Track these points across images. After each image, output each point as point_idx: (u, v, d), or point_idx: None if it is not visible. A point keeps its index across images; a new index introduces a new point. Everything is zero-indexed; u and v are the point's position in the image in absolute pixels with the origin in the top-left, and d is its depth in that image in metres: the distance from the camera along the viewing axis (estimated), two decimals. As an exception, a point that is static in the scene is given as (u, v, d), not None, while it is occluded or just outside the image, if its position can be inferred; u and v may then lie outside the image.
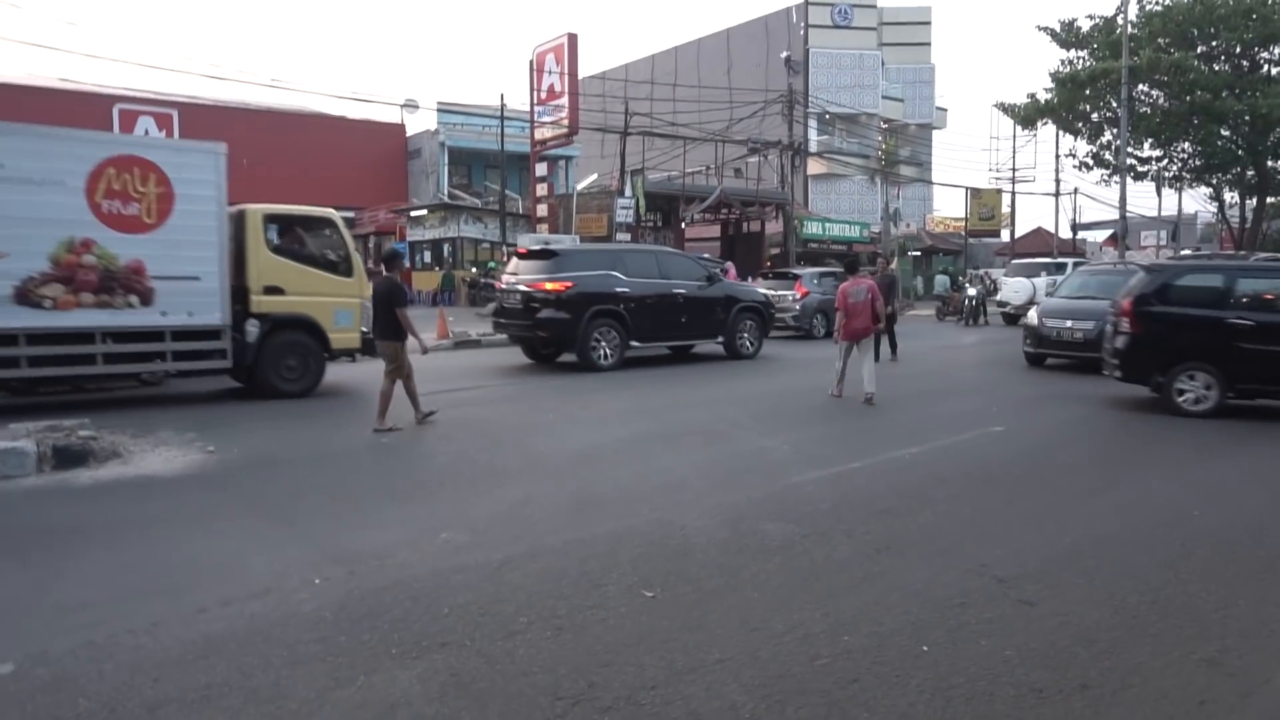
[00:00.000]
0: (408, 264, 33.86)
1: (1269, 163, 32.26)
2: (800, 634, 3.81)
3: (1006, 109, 34.90)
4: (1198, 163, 33.11)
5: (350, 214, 27.96)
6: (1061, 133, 36.89)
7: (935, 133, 58.32)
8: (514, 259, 15.16)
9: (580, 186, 34.43)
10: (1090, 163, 34.46)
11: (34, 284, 9.06)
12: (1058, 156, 41.31)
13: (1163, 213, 44.96)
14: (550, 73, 29.27)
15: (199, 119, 29.70)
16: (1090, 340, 12.78)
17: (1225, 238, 40.67)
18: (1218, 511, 5.93)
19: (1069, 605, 4.16)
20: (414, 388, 8.92)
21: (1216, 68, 30.92)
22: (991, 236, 48.90)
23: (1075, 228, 47.23)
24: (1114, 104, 30.29)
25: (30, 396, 10.06)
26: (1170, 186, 38.30)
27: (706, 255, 28.11)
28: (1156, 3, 31.34)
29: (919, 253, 45.53)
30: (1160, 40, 30.57)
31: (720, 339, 15.28)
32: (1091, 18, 32.49)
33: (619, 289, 13.83)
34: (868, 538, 5.17)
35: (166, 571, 4.59)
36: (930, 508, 5.85)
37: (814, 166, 46.43)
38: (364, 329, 11.22)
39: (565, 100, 28.89)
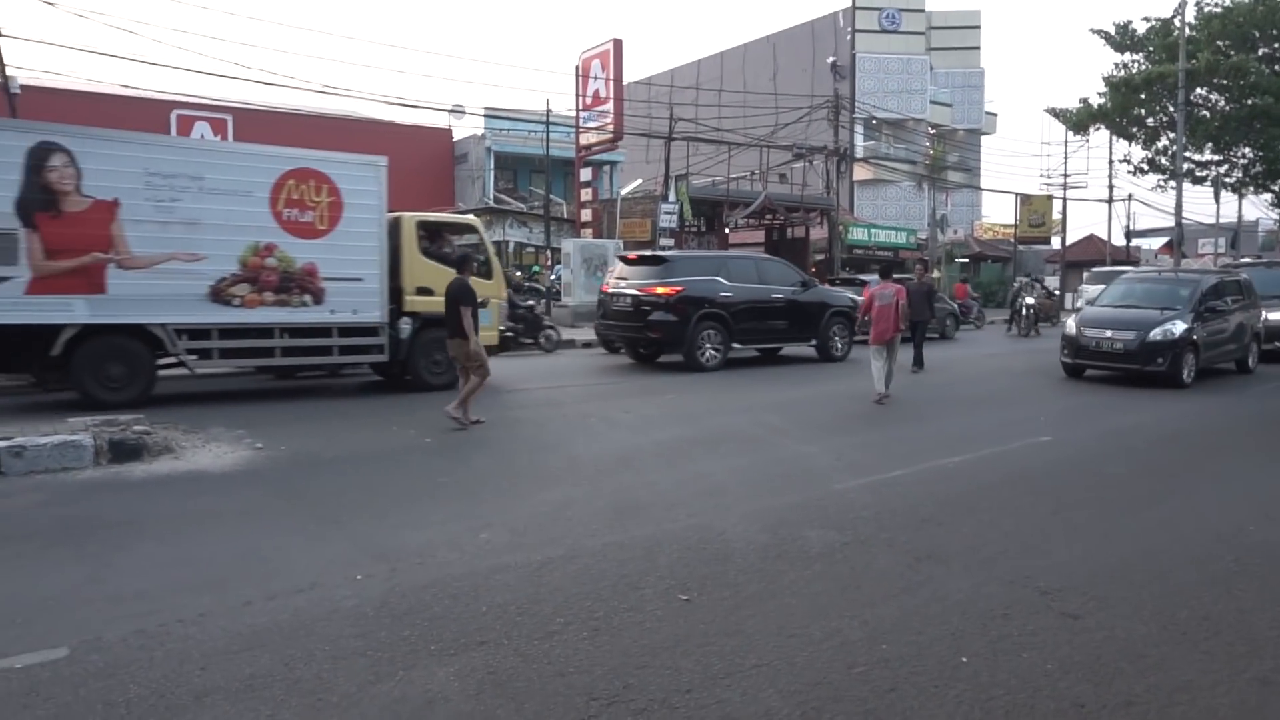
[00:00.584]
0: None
1: (1333, 168, 31.26)
2: (838, 641, 3.78)
3: (1058, 114, 34.25)
4: (1259, 168, 32.12)
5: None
6: (1115, 138, 36.12)
7: (984, 138, 57.38)
8: (620, 264, 15.79)
9: (624, 191, 34.55)
10: (1145, 168, 33.67)
11: (225, 284, 10.16)
12: (1111, 162, 40.53)
13: (1221, 219, 43.76)
14: (596, 78, 29.38)
15: (253, 124, 30.36)
16: (1131, 351, 12.52)
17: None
18: (1275, 527, 5.76)
19: (1115, 619, 4.08)
20: (473, 390, 9.13)
21: (1279, 70, 30.03)
22: (1041, 243, 48.02)
23: (1129, 235, 46.20)
24: (1170, 108, 29.59)
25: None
26: (1230, 192, 37.25)
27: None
28: (1216, 4, 30.54)
29: (966, 259, 44.90)
30: (1220, 43, 29.76)
31: (814, 342, 15.95)
32: (1147, 20, 31.79)
33: (723, 294, 14.52)
34: (909, 546, 5.11)
35: (215, 565, 4.69)
36: (973, 517, 5.77)
37: (860, 172, 46.06)
38: (502, 328, 12.61)
39: (610, 106, 28.97)
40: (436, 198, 39.70)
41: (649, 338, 14.48)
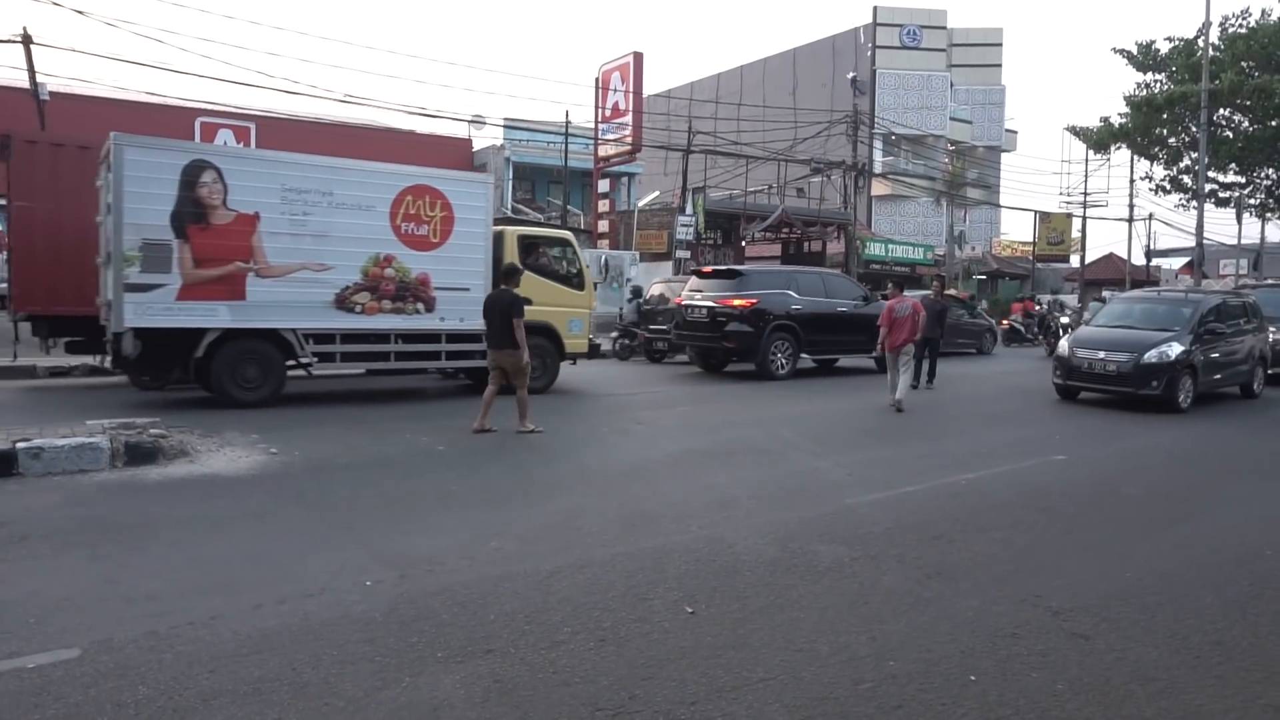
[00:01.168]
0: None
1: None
2: (845, 657, 3.76)
3: (1078, 132, 34.16)
4: (1282, 190, 31.93)
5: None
6: (1136, 157, 35.93)
7: (1004, 155, 57.20)
8: (694, 277, 16.76)
9: (641, 203, 34.61)
10: (1167, 187, 33.48)
11: (349, 292, 10.88)
12: (1132, 181, 40.26)
13: (1244, 241, 43.37)
14: (615, 91, 29.56)
15: (276, 132, 30.63)
16: (1125, 374, 12.09)
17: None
18: (1291, 551, 5.69)
19: (1127, 641, 4.04)
20: (492, 395, 9.30)
21: (1304, 92, 29.81)
22: (1060, 261, 47.77)
23: (1150, 254, 45.84)
24: (1193, 128, 29.41)
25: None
26: (1254, 214, 36.94)
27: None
28: (1241, 25, 30.39)
29: (984, 276, 44.69)
30: (1244, 64, 29.60)
31: (874, 354, 16.04)
32: (1170, 40, 31.65)
33: (794, 306, 15.37)
34: (919, 563, 5.08)
35: (227, 568, 4.73)
36: (985, 535, 5.73)
37: (878, 187, 45.96)
38: (591, 336, 13.39)
39: (629, 118, 29.13)
40: (455, 207, 39.88)
41: (724, 348, 15.22)
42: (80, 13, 18.02)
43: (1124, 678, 3.66)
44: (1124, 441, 9.86)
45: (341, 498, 6.36)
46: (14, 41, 17.74)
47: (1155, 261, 47.01)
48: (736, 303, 14.92)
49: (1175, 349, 12.05)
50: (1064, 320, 24.49)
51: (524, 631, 3.93)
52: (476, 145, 43.70)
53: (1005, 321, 29.07)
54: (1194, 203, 30.64)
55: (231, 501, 6.18)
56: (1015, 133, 61.28)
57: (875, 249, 36.41)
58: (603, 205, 33.35)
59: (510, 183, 40.93)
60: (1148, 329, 12.75)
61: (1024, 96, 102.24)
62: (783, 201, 32.73)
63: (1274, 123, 28.69)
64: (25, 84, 19.24)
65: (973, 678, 3.60)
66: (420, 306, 11.31)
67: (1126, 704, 3.43)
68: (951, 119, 53.80)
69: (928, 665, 3.70)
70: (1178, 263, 48.38)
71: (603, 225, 32.36)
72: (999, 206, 52.97)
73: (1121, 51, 32.31)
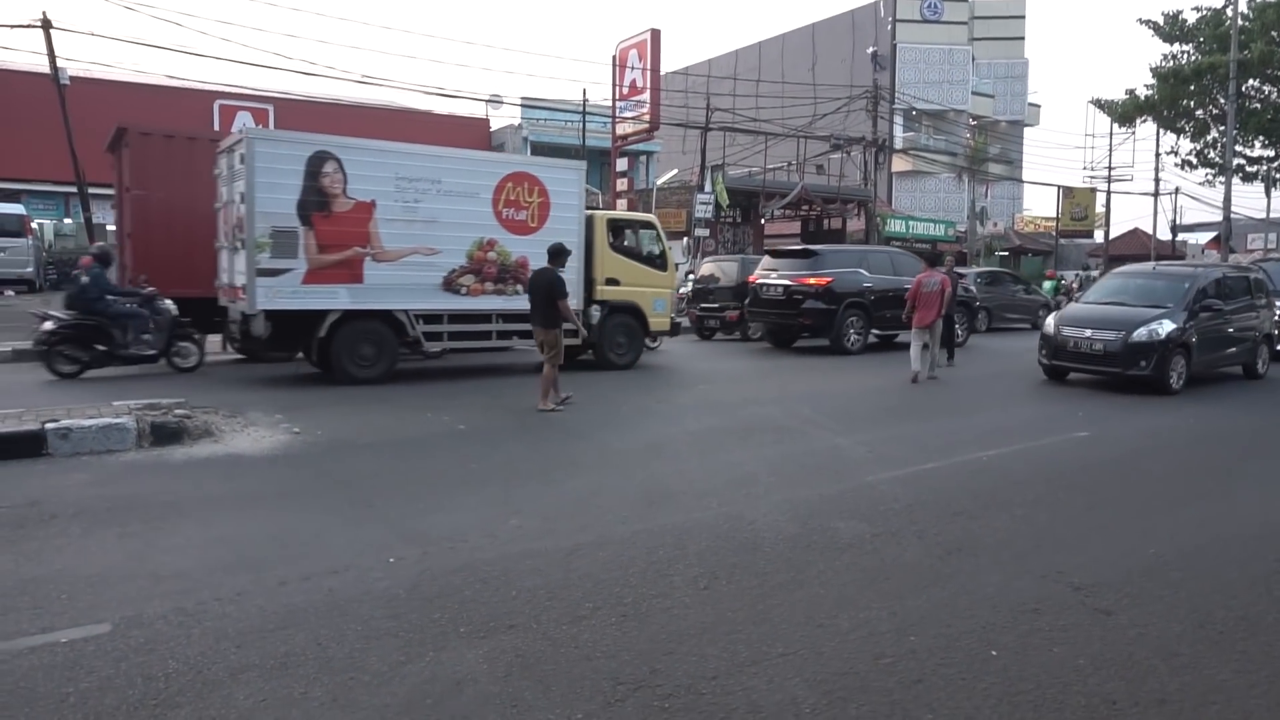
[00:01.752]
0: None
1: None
2: (866, 632, 3.77)
3: (1103, 105, 33.60)
4: (1313, 163, 31.31)
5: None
6: (1162, 130, 35.34)
7: (1027, 130, 56.46)
8: (767, 256, 17.63)
9: (660, 181, 34.49)
10: (1194, 161, 32.92)
11: (455, 275, 11.43)
12: (1158, 155, 39.72)
13: (1273, 214, 42.63)
14: (633, 68, 29.35)
15: (294, 114, 30.67)
16: (1112, 353, 11.36)
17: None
18: (1318, 527, 5.63)
19: (1149, 617, 4.02)
20: (555, 377, 9.43)
21: (1335, 61, 29.14)
22: (1084, 237, 47.19)
23: (1175, 229, 45.20)
24: (1221, 100, 28.86)
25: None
26: (1281, 189, 36.27)
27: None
28: (1270, -7, 29.70)
29: (1006, 252, 44.25)
30: (1274, 33, 28.94)
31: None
32: (1198, 10, 31.00)
33: (865, 284, 16.02)
34: (940, 539, 5.07)
35: (252, 546, 4.79)
36: (1006, 511, 5.71)
37: (899, 163, 45.56)
38: (673, 315, 14.14)
39: (647, 96, 28.94)
40: (473, 188, 39.88)
41: (800, 324, 15.97)
42: (99, -4, 18.07)
43: (1146, 653, 3.65)
44: (1147, 418, 9.76)
45: (364, 476, 6.42)
46: (34, 26, 17.85)
47: (1181, 236, 46.33)
48: (812, 281, 15.63)
49: (1166, 326, 11.29)
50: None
51: (546, 607, 3.97)
52: (494, 125, 43.63)
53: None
54: (1220, 178, 30.15)
55: (256, 480, 6.26)
56: (1038, 107, 60.48)
57: (896, 226, 36.10)
58: (621, 184, 33.23)
59: (528, 163, 40.80)
60: (1140, 305, 11.97)
61: (1047, 69, 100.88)
62: (802, 178, 32.51)
63: (1304, 94, 28.13)
64: (46, 69, 19.37)
65: (994, 652, 3.60)
66: (519, 288, 11.63)
67: (1149, 679, 3.42)
68: (973, 93, 53.09)
69: (948, 640, 3.70)
70: (1204, 237, 47.56)
71: (621, 204, 32.27)
72: (1021, 182, 52.45)
73: (1148, 22, 31.70)
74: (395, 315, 11.19)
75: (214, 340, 12.60)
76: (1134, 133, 38.14)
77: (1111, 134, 39.80)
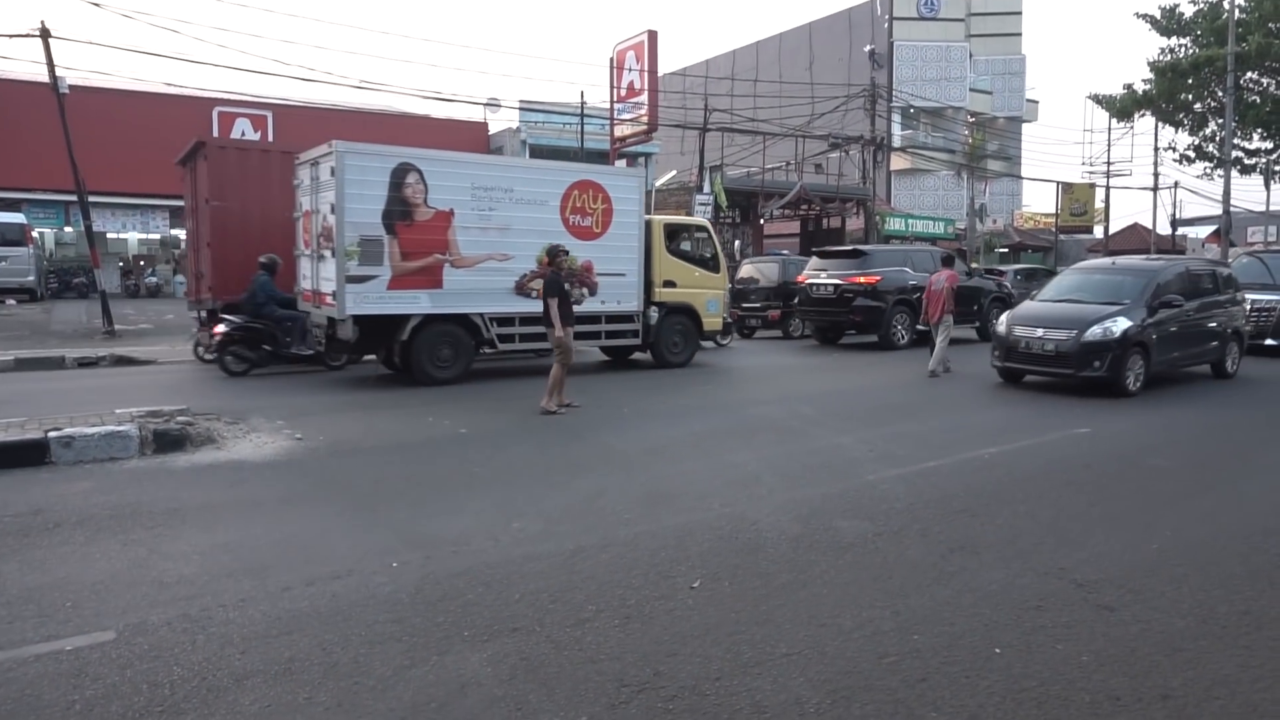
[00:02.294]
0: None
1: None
2: (869, 631, 3.78)
3: (1101, 101, 33.56)
4: (1312, 155, 31.27)
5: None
6: (1161, 125, 35.32)
7: (1025, 126, 56.36)
8: (814, 257, 18.36)
9: (659, 183, 34.46)
10: (1192, 155, 32.88)
11: (525, 279, 11.68)
12: (1156, 149, 39.65)
13: (1273, 207, 42.59)
14: (630, 70, 29.36)
15: (292, 120, 30.73)
16: (1064, 353, 10.73)
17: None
18: (1321, 520, 5.63)
19: (1152, 612, 4.02)
20: (562, 378, 9.49)
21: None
22: (1083, 233, 47.15)
23: (1175, 224, 45.16)
24: (1219, 93, 28.84)
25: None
26: (1280, 181, 36.23)
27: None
28: (1267, -15, 29.65)
29: (1006, 249, 44.24)
30: (1271, 25, 28.91)
31: (976, 324, 18.33)
32: (1195, 3, 30.97)
33: (911, 282, 16.62)
34: (942, 537, 5.07)
35: (255, 551, 4.80)
36: (1008, 509, 5.71)
37: (897, 162, 45.51)
38: (725, 316, 14.73)
39: (645, 97, 28.95)
40: (472, 191, 39.82)
41: (851, 321, 16.71)
42: (96, 4, 18.10)
43: (1150, 648, 3.65)
44: (1149, 414, 9.76)
45: (366, 481, 6.43)
46: (33, 35, 17.83)
47: (1181, 230, 46.31)
48: (861, 280, 16.37)
49: (1121, 324, 10.61)
50: None
51: (549, 610, 3.97)
52: (492, 128, 43.65)
53: None
54: (1218, 171, 30.13)
55: (258, 486, 6.26)
56: (1036, 103, 60.30)
57: (895, 224, 36.09)
58: (620, 185, 33.09)
59: (527, 165, 40.78)
60: (1095, 303, 11.31)
61: (1045, 66, 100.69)
62: (801, 178, 32.50)
63: (1302, 86, 28.08)
64: (45, 78, 19.38)
65: (997, 650, 3.60)
66: (585, 291, 11.74)
67: (1153, 674, 3.42)
68: (971, 90, 52.94)
69: (952, 638, 3.71)
70: (1204, 231, 47.54)
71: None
72: (1020, 178, 52.35)
73: (1145, 16, 31.65)
74: (471, 318, 11.67)
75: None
76: (1132, 127, 38.16)
77: (1110, 129, 39.80)
